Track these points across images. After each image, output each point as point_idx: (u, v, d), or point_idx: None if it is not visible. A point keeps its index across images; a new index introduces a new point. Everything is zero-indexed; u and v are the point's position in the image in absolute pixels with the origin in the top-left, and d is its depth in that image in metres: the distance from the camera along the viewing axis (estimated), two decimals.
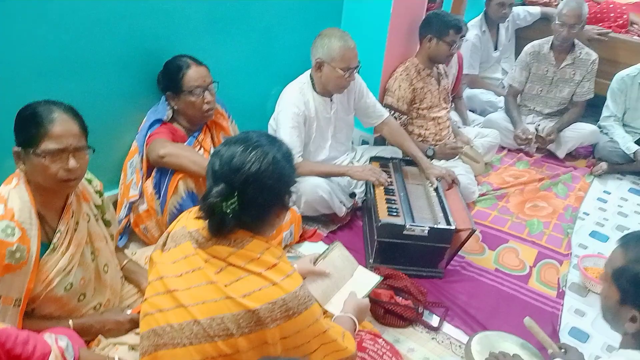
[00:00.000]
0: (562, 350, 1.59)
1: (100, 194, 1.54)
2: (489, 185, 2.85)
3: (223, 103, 2.11)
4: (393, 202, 2.14)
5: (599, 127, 3.23)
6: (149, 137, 1.84)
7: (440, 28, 2.56)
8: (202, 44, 2.18)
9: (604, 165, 3.07)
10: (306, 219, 2.30)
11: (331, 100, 2.32)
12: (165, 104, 1.94)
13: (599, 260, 2.23)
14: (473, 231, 2.01)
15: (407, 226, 1.96)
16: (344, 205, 2.31)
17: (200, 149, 1.92)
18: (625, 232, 2.53)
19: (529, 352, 1.64)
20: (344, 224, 2.37)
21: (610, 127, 3.16)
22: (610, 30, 3.63)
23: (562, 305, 2.01)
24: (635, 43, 3.49)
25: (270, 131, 2.39)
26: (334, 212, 2.29)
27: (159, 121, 1.88)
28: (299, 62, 2.40)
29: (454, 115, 3.21)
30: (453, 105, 3.28)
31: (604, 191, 2.94)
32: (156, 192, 1.82)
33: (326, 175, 2.24)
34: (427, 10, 4.00)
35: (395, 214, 2.06)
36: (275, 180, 1.12)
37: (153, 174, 1.85)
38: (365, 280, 1.78)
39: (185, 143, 1.91)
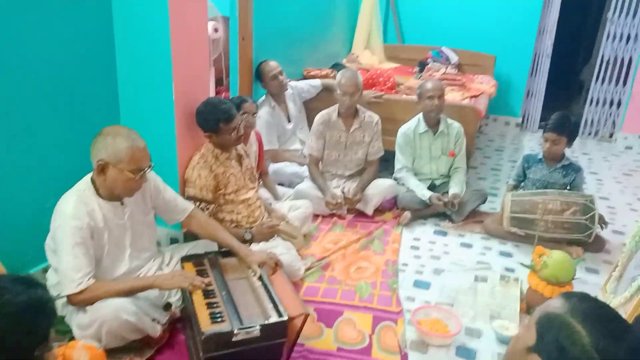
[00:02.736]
0: None
1: None
2: (312, 257, 2.77)
3: None
4: (215, 305, 1.88)
5: (395, 179, 3.47)
6: None
7: (211, 125, 2.46)
8: None
9: (408, 214, 3.27)
10: (113, 351, 1.87)
11: (122, 203, 2.01)
12: None
13: (429, 310, 2.26)
14: (307, 315, 1.86)
15: (236, 331, 1.71)
16: (158, 322, 1.96)
17: None
18: (442, 274, 2.67)
19: None
20: (163, 343, 2.01)
21: (404, 178, 3.41)
22: (383, 93, 4.03)
23: None
24: (405, 101, 3.91)
25: (48, 253, 1.96)
26: (147, 334, 1.93)
27: None
28: (75, 166, 2.06)
29: (264, 193, 3.13)
30: (261, 183, 3.20)
31: (414, 238, 3.10)
32: None
33: (128, 293, 1.88)
34: (217, 93, 4.00)
35: (219, 319, 1.79)
36: None
37: None
38: None
39: None
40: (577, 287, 2.36)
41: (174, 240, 2.63)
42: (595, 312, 1.02)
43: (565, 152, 3.15)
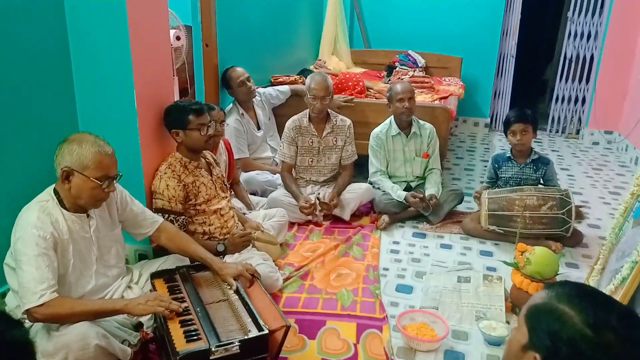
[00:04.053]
0: None
1: None
2: (291, 266, 2.67)
3: None
4: (190, 322, 1.75)
5: (370, 183, 3.41)
6: None
7: (179, 119, 2.37)
8: None
9: (386, 218, 3.21)
10: None
11: (88, 216, 1.87)
12: None
13: (414, 315, 2.19)
14: (288, 327, 1.76)
15: (213, 349, 1.60)
16: (128, 344, 1.82)
17: None
18: (424, 277, 2.60)
19: None
20: None
21: (379, 181, 3.35)
22: (353, 97, 3.97)
23: None
24: (376, 104, 3.87)
25: (7, 273, 1.79)
26: (117, 358, 1.78)
27: None
28: (31, 180, 1.92)
29: (236, 203, 3.01)
30: (232, 193, 3.09)
31: (393, 242, 3.03)
32: None
33: (95, 316, 1.73)
34: None
35: (195, 337, 1.67)
36: None
37: None
38: None
39: None
40: None
41: (142, 257, 2.48)
42: (578, 292, 1.02)
43: (533, 147, 3.15)
